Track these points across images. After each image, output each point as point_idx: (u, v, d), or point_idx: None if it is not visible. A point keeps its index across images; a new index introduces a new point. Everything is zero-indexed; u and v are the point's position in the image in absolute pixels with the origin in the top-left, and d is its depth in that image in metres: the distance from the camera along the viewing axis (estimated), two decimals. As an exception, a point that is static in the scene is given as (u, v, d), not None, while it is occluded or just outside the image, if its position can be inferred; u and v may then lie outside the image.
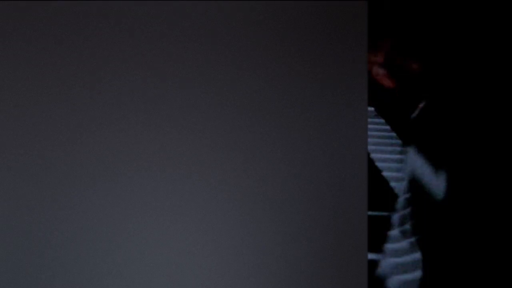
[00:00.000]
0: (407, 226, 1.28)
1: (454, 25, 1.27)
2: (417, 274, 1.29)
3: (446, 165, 1.27)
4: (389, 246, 1.29)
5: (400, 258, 1.28)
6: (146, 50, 1.18)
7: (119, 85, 1.17)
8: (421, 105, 1.27)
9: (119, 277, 1.15)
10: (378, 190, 1.28)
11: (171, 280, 1.17)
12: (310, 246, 1.22)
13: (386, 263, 1.28)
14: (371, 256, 1.29)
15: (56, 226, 1.14)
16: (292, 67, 1.22)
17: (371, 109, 1.66)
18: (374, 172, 1.37)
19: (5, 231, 1.13)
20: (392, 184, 1.45)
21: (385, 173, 1.49)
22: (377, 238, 1.29)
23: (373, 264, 1.28)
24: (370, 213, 1.28)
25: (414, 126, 1.28)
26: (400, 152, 1.39)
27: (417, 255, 1.30)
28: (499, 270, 1.27)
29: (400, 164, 1.34)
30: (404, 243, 1.29)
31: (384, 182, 1.32)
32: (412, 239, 1.29)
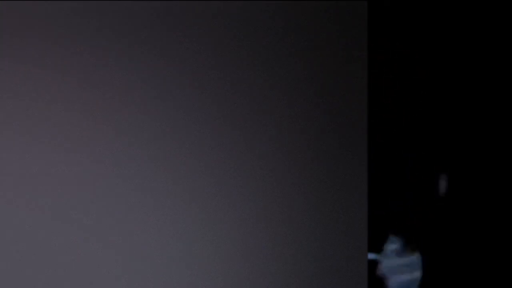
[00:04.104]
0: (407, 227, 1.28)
1: (454, 25, 1.27)
2: (417, 274, 1.29)
3: (446, 166, 1.27)
4: (389, 246, 1.29)
5: (400, 258, 1.28)
6: (146, 50, 1.18)
7: (118, 85, 1.17)
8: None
9: (116, 277, 1.15)
10: (378, 190, 1.28)
11: (172, 280, 1.17)
12: (310, 246, 1.22)
13: (386, 263, 1.28)
14: (371, 256, 1.29)
15: (56, 226, 1.14)
16: (292, 67, 1.22)
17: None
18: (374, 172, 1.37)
19: None
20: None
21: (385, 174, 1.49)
22: (377, 238, 1.29)
23: (373, 264, 1.28)
24: (370, 213, 1.28)
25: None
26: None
27: (417, 255, 1.30)
28: (499, 270, 1.27)
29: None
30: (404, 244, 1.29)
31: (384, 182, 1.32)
32: (412, 239, 1.29)
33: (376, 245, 1.28)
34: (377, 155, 1.26)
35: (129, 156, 1.16)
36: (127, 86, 1.17)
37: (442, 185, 1.27)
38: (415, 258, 1.29)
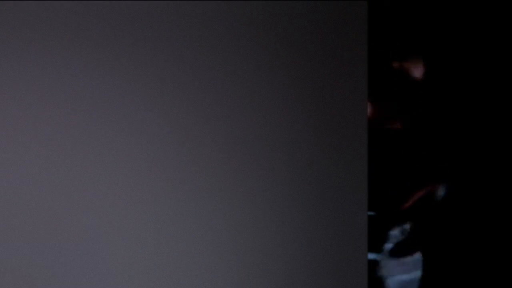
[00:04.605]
0: (407, 226, 1.28)
1: (454, 25, 1.27)
2: (417, 274, 1.29)
3: (447, 167, 1.27)
4: (389, 246, 1.29)
5: (400, 258, 1.29)
6: (146, 50, 1.18)
7: (119, 85, 1.17)
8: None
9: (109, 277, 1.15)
10: (378, 190, 1.28)
11: (172, 280, 1.17)
12: (310, 246, 1.22)
13: (386, 263, 1.28)
14: (371, 256, 1.29)
15: (57, 225, 1.14)
16: (292, 67, 1.22)
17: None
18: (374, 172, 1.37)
19: None
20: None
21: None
22: (377, 238, 1.29)
23: (373, 264, 1.28)
24: (370, 213, 1.28)
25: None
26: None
27: (417, 255, 1.30)
28: (498, 270, 1.27)
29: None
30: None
31: (384, 182, 1.32)
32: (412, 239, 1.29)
33: (376, 245, 1.28)
34: (377, 155, 1.27)
35: (129, 157, 1.16)
36: (128, 85, 1.17)
37: (442, 186, 1.27)
38: (415, 258, 1.30)
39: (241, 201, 1.19)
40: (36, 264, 1.13)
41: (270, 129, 1.21)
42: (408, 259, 1.29)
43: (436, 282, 1.29)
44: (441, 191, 1.26)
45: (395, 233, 1.28)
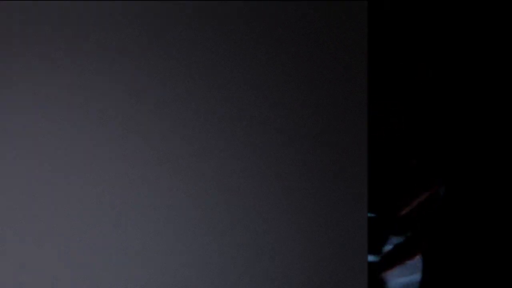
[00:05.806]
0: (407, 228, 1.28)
1: (455, 26, 1.28)
2: (417, 276, 1.29)
3: (447, 168, 1.27)
4: (388, 249, 1.29)
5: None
6: (150, 50, 1.18)
7: (123, 85, 1.17)
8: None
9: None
10: (379, 191, 1.27)
11: (173, 281, 1.17)
12: (309, 248, 1.22)
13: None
14: (371, 257, 1.29)
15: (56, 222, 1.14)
16: (291, 67, 1.22)
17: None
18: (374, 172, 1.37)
19: None
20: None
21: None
22: (377, 240, 1.28)
23: (373, 266, 1.28)
24: (370, 213, 1.28)
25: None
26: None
27: (417, 258, 1.29)
28: (499, 272, 1.27)
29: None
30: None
31: (385, 183, 1.32)
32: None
33: (376, 247, 1.28)
34: (377, 155, 1.26)
35: (132, 156, 1.16)
36: (131, 85, 1.17)
37: (443, 187, 1.27)
38: (415, 260, 1.29)
39: (239, 201, 1.19)
40: (35, 264, 1.12)
41: (269, 129, 1.21)
42: (408, 261, 1.29)
43: (436, 284, 1.29)
44: (440, 194, 1.25)
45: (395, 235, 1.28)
